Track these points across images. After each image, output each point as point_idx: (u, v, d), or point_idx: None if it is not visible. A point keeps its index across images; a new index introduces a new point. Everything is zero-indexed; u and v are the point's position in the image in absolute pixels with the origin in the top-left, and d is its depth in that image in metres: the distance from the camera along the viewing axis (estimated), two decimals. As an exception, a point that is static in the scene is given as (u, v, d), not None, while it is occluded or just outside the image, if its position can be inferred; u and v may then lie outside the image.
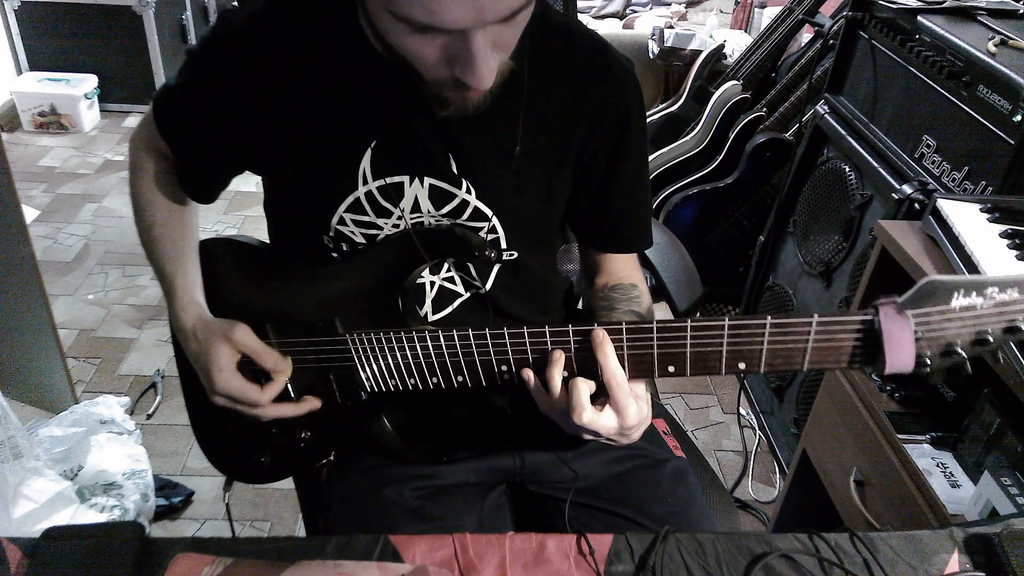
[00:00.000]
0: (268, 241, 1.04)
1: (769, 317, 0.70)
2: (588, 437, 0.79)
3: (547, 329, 0.76)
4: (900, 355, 0.67)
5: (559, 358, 0.76)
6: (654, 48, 3.08)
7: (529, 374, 0.78)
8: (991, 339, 0.66)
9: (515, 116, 0.83)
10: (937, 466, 1.19)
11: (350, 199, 0.86)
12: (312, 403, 0.90)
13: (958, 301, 0.65)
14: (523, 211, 0.90)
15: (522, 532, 0.78)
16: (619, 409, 0.75)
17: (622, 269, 1.01)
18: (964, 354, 0.67)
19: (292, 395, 0.92)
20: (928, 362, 0.67)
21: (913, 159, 1.53)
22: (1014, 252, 1.07)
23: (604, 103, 0.88)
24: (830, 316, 0.69)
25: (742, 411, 2.20)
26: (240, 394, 0.85)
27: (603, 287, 0.99)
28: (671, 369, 0.74)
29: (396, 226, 0.88)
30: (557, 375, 0.76)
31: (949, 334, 0.67)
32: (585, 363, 0.76)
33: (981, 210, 1.16)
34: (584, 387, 0.75)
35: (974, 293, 0.65)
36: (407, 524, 0.90)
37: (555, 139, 0.87)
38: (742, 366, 0.72)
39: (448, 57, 0.67)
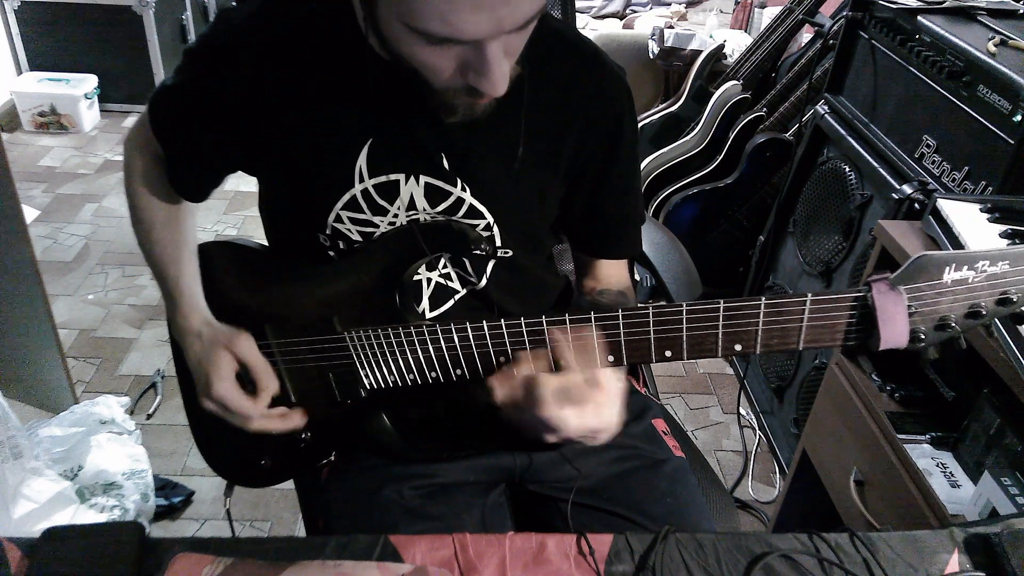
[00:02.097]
0: (264, 241, 1.04)
1: (763, 298, 0.70)
2: (551, 439, 0.78)
3: (544, 319, 0.77)
4: (894, 330, 0.67)
5: (527, 359, 0.78)
6: (654, 48, 3.08)
7: (494, 382, 0.79)
8: (984, 311, 0.66)
9: (515, 119, 0.84)
10: (937, 466, 1.19)
11: (346, 197, 0.86)
12: (296, 421, 0.93)
13: (950, 275, 0.66)
14: (517, 210, 0.91)
15: (522, 532, 0.78)
16: (579, 405, 0.76)
17: (612, 275, 1.02)
18: (958, 327, 0.67)
19: (292, 398, 0.92)
20: (922, 336, 0.68)
21: (913, 159, 1.53)
22: (1014, 252, 1.07)
23: (597, 110, 0.88)
24: (824, 294, 0.69)
25: (742, 411, 2.20)
26: (234, 403, 0.88)
27: (591, 291, 1.00)
28: (668, 353, 0.75)
29: (392, 223, 0.88)
30: (521, 373, 0.77)
31: (942, 308, 0.67)
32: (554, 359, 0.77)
33: (981, 210, 1.16)
34: (549, 382, 0.76)
35: (965, 267, 0.65)
36: (407, 524, 0.90)
37: (548, 143, 0.88)
38: (738, 348, 0.72)
39: (461, 66, 0.68)
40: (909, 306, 0.67)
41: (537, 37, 0.71)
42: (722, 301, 0.71)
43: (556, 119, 0.87)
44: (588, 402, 0.75)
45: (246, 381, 0.90)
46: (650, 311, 0.73)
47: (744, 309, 0.71)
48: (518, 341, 0.79)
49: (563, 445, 0.97)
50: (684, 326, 0.73)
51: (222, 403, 0.88)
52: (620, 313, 0.74)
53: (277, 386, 0.91)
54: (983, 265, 0.65)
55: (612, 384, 0.77)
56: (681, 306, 0.72)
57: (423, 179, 0.86)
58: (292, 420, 0.92)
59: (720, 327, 0.72)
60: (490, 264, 0.94)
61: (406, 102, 0.80)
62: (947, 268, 0.65)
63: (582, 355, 0.77)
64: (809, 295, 0.69)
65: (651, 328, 0.74)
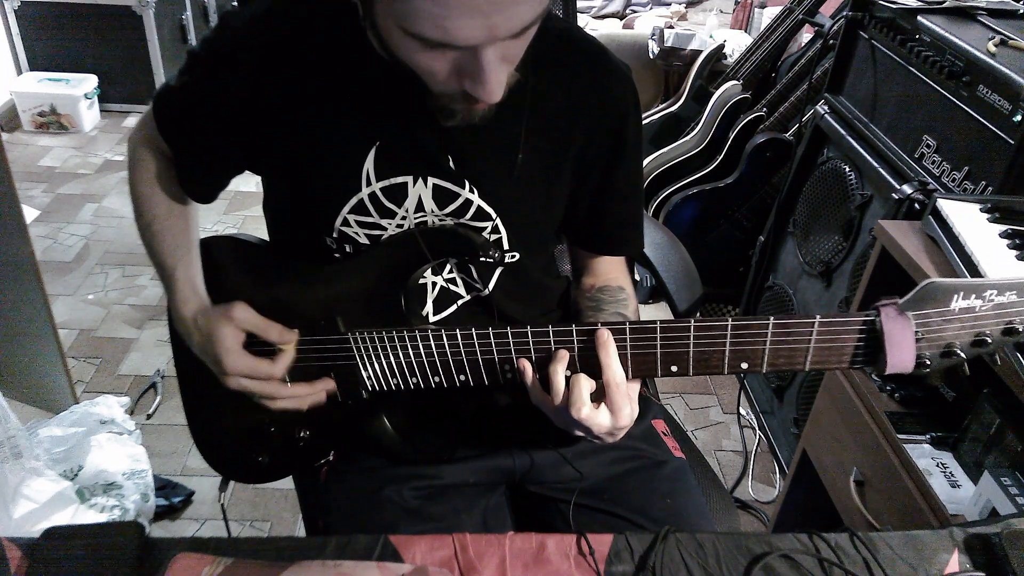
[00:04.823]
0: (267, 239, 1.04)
1: (772, 318, 0.70)
2: (578, 433, 0.79)
3: (550, 328, 0.77)
4: (901, 355, 0.67)
5: (564, 356, 0.77)
6: (654, 48, 3.08)
7: (527, 365, 0.78)
8: (989, 340, 0.67)
9: (518, 123, 0.83)
10: (937, 466, 1.19)
11: (354, 200, 0.86)
12: (327, 384, 0.88)
13: (957, 303, 0.66)
14: (524, 212, 0.90)
15: (522, 532, 0.78)
16: (615, 409, 0.76)
17: (611, 271, 1.01)
18: (963, 355, 0.68)
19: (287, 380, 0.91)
20: (928, 362, 0.68)
21: (913, 159, 1.53)
22: (1014, 252, 1.07)
23: (602, 109, 0.88)
24: (832, 317, 0.69)
25: (742, 411, 2.20)
26: (252, 370, 0.85)
27: (590, 288, 1.00)
28: (674, 369, 0.75)
29: (400, 226, 0.88)
30: (560, 372, 0.76)
31: (948, 335, 0.67)
32: (586, 362, 0.77)
33: (981, 210, 1.16)
34: (586, 384, 0.76)
35: (973, 295, 0.66)
36: (407, 524, 0.90)
37: (554, 143, 0.88)
38: (744, 366, 0.72)
39: (457, 71, 0.68)
40: (916, 332, 0.67)
41: (542, 37, 0.71)
42: (730, 319, 0.71)
43: (561, 119, 0.87)
44: (620, 403, 0.76)
45: (264, 352, 0.86)
46: (657, 326, 0.73)
47: (752, 328, 0.71)
48: (523, 348, 0.78)
49: (565, 445, 0.97)
50: (691, 343, 0.73)
51: (240, 373, 0.85)
52: (627, 327, 0.74)
53: (295, 336, 0.87)
54: (990, 294, 0.66)
55: (632, 384, 0.79)
56: (689, 322, 0.72)
57: (431, 181, 0.86)
58: (318, 390, 0.88)
59: (727, 345, 0.72)
60: (497, 271, 0.94)
61: (410, 104, 0.80)
62: (955, 296, 0.66)
63: (586, 367, 0.77)
64: (818, 317, 0.69)
65: (658, 343, 0.74)
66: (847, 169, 1.73)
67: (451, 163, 0.85)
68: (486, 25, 0.62)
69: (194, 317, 0.88)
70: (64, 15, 3.54)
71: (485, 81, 0.67)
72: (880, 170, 1.58)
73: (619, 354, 0.75)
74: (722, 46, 2.87)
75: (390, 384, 0.86)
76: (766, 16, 3.68)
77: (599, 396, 0.77)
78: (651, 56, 3.10)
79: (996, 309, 0.66)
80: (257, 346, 0.86)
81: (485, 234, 0.89)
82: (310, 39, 0.81)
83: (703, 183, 2.44)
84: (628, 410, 0.77)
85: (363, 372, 0.86)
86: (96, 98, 3.67)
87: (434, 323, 0.94)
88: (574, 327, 0.76)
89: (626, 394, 0.76)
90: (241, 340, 0.85)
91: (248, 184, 3.08)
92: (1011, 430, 1.09)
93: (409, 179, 0.85)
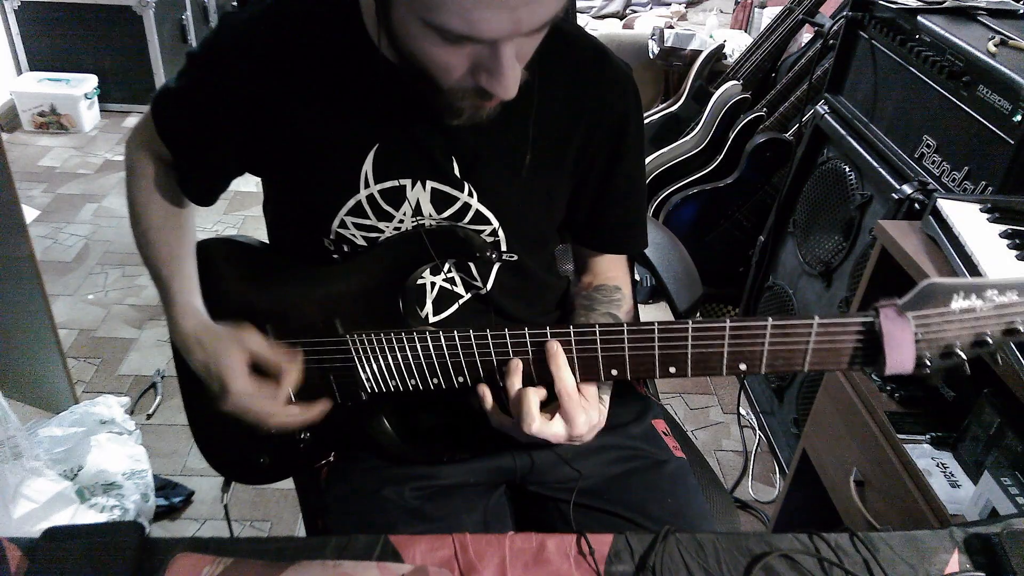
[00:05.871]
0: (267, 242, 1.04)
1: (770, 319, 0.70)
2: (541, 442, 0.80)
3: (548, 329, 0.77)
4: (900, 356, 0.67)
5: (516, 367, 0.77)
6: (654, 48, 3.08)
7: (484, 389, 0.79)
8: (990, 341, 0.66)
9: (523, 124, 0.83)
10: (937, 466, 1.19)
11: (351, 202, 0.86)
12: (323, 405, 0.89)
13: (958, 303, 0.66)
14: (524, 214, 0.91)
15: (522, 532, 0.78)
16: (568, 419, 0.77)
17: (610, 270, 1.01)
18: (963, 355, 0.67)
19: (292, 398, 0.92)
20: (928, 363, 0.68)
21: (913, 159, 1.53)
22: (1014, 252, 1.07)
23: (603, 107, 0.88)
24: (831, 318, 0.69)
25: (742, 411, 2.20)
26: (256, 401, 0.85)
27: (587, 286, 1.00)
28: (672, 370, 0.75)
29: (397, 229, 0.88)
30: (516, 386, 0.77)
31: (949, 336, 0.67)
32: (542, 373, 0.77)
33: (981, 210, 1.16)
34: (534, 397, 0.76)
35: (973, 295, 0.65)
36: (407, 524, 0.90)
37: (555, 143, 0.87)
38: (743, 367, 0.72)
39: (473, 66, 0.68)
40: (916, 333, 0.67)
41: (544, 37, 0.71)
42: (728, 320, 0.71)
43: (562, 119, 0.87)
44: (572, 412, 0.77)
45: (261, 374, 0.87)
46: (655, 328, 0.73)
47: (750, 330, 0.70)
48: (521, 349, 0.78)
49: (560, 445, 0.97)
50: (689, 344, 0.73)
51: (243, 401, 0.85)
52: (625, 328, 0.74)
53: (299, 360, 0.87)
54: (991, 294, 0.65)
55: (587, 390, 0.79)
56: (687, 324, 0.72)
57: (430, 184, 0.86)
58: (313, 410, 0.89)
59: (726, 347, 0.72)
60: (495, 268, 0.94)
61: (413, 106, 0.80)
62: (955, 296, 0.65)
63: (584, 369, 0.77)
64: (816, 318, 0.69)
65: (656, 345, 0.74)
66: (847, 169, 1.73)
67: (454, 165, 0.85)
68: (512, 19, 0.62)
69: (195, 333, 0.89)
70: (64, 15, 3.54)
71: (502, 77, 0.67)
72: (880, 170, 1.59)
73: (617, 355, 0.75)
74: (722, 46, 2.87)
75: (389, 385, 0.86)
76: (766, 16, 3.68)
77: (555, 406, 0.77)
78: (651, 56, 3.10)
79: (997, 309, 0.65)
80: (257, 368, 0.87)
81: (483, 236, 0.89)
82: (310, 40, 0.81)
83: (703, 183, 2.44)
84: (583, 419, 0.77)
85: (362, 374, 0.86)
86: (96, 98, 3.67)
87: (434, 324, 0.94)
88: (571, 327, 0.76)
89: (578, 403, 0.77)
90: (248, 363, 0.86)
91: (248, 184, 3.08)
92: (1011, 430, 1.09)
93: (408, 182, 0.85)
